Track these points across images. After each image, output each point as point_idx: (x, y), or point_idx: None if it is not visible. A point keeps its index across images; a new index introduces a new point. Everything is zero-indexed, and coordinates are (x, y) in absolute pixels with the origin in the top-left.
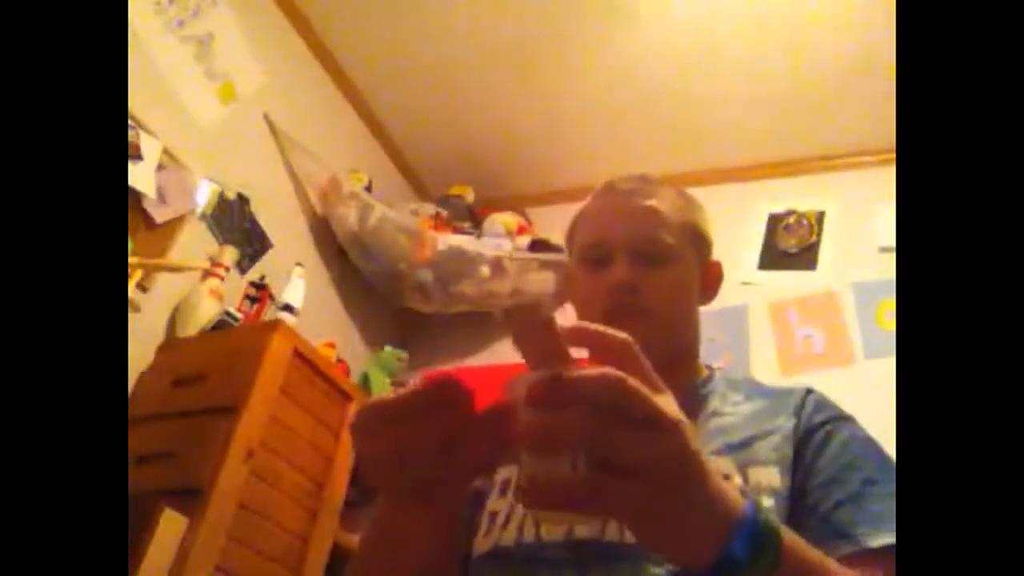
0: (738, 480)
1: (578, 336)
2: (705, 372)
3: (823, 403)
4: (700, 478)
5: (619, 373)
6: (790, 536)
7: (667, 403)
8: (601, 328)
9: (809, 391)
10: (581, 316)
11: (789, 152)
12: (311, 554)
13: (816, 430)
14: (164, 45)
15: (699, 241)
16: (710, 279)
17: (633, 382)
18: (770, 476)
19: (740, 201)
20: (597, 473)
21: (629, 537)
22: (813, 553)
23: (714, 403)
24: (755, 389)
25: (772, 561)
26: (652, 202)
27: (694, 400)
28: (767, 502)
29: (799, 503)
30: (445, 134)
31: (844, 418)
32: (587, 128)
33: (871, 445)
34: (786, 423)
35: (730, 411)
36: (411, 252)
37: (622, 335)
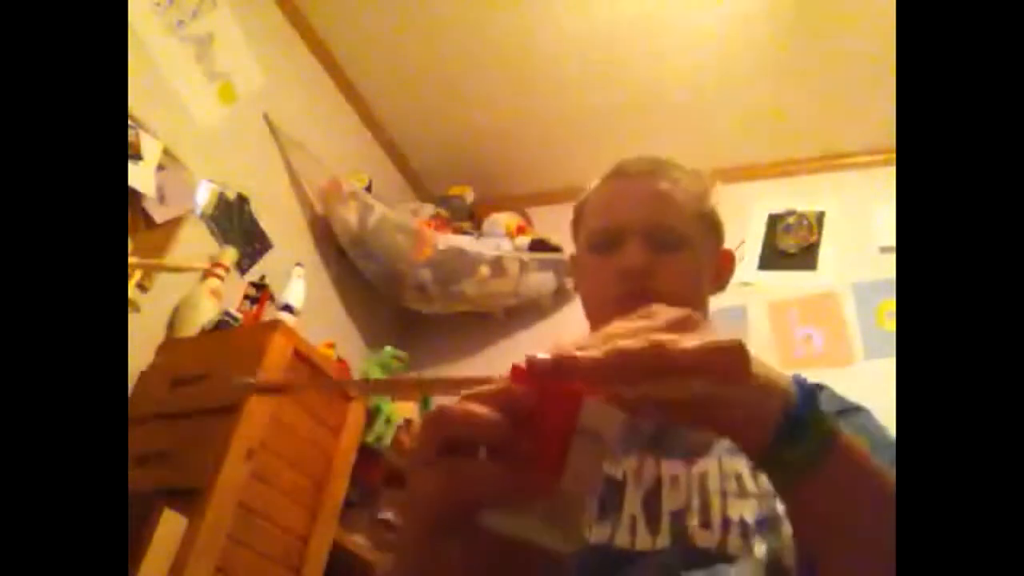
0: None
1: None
2: None
3: (834, 398)
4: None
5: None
6: (846, 435)
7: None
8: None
9: (818, 388)
10: (591, 303)
11: (789, 152)
12: (311, 554)
13: None
14: (164, 45)
15: (712, 228)
16: (723, 267)
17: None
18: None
19: (740, 201)
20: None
21: (638, 544)
22: (869, 461)
23: None
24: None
25: (819, 447)
26: (665, 186)
27: None
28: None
29: None
30: (445, 134)
31: (857, 408)
32: (587, 128)
33: (888, 436)
34: None
35: None
36: (411, 252)
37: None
